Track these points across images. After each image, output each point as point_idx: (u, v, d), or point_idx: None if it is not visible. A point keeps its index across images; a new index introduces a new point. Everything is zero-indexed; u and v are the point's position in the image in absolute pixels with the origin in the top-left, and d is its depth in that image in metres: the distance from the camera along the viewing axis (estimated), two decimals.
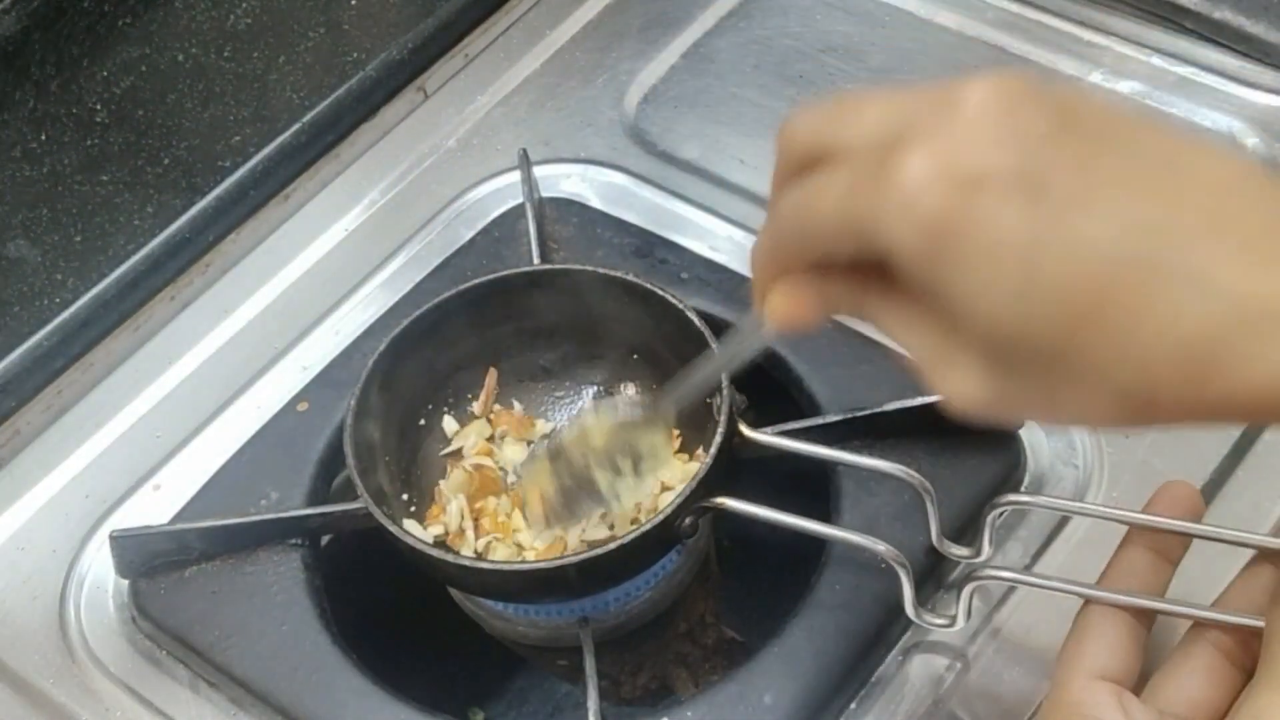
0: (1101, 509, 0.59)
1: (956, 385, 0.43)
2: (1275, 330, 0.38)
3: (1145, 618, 0.54)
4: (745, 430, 0.63)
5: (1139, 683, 0.52)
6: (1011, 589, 0.64)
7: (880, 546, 0.59)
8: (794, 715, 0.60)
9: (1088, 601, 0.54)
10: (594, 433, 0.61)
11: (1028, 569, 0.64)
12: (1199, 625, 0.53)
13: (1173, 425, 0.41)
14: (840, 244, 0.43)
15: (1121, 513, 0.56)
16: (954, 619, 0.59)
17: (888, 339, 0.68)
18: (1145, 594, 0.54)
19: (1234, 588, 0.54)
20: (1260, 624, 0.51)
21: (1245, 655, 0.52)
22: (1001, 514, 0.61)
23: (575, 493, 0.61)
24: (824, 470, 0.66)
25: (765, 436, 0.63)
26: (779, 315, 0.46)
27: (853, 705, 0.61)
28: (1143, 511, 0.55)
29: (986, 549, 0.60)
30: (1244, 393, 0.39)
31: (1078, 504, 0.64)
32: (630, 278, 0.67)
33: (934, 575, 0.64)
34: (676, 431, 0.66)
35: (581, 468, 0.61)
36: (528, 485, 0.63)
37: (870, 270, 0.43)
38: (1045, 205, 0.39)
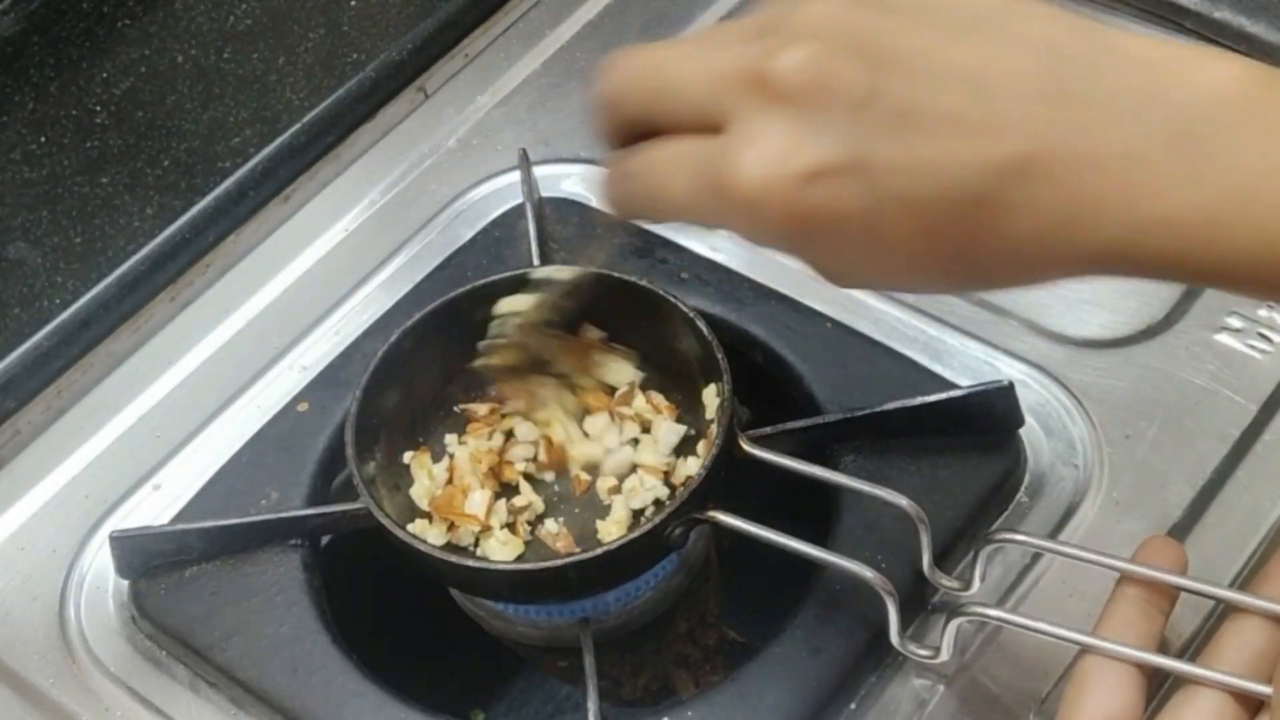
0: (1091, 555, 0.58)
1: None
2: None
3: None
4: (746, 445, 0.62)
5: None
6: (1009, 591, 0.64)
7: (869, 574, 0.58)
8: (795, 716, 0.60)
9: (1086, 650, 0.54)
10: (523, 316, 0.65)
11: (1026, 570, 0.64)
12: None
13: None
14: (696, 221, 0.48)
15: (1112, 561, 0.56)
16: (938, 651, 0.59)
17: (889, 340, 0.70)
18: (1141, 645, 0.53)
19: (1226, 639, 0.53)
20: (1264, 689, 0.50)
21: (1253, 698, 0.51)
22: (996, 549, 0.61)
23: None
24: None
25: (765, 454, 0.63)
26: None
27: (852, 705, 0.61)
28: (1129, 564, 0.56)
29: (976, 583, 0.60)
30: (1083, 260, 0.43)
31: (1074, 549, 0.60)
32: (641, 281, 0.66)
33: (922, 595, 0.63)
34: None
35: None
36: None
37: None
38: (872, 175, 0.42)
